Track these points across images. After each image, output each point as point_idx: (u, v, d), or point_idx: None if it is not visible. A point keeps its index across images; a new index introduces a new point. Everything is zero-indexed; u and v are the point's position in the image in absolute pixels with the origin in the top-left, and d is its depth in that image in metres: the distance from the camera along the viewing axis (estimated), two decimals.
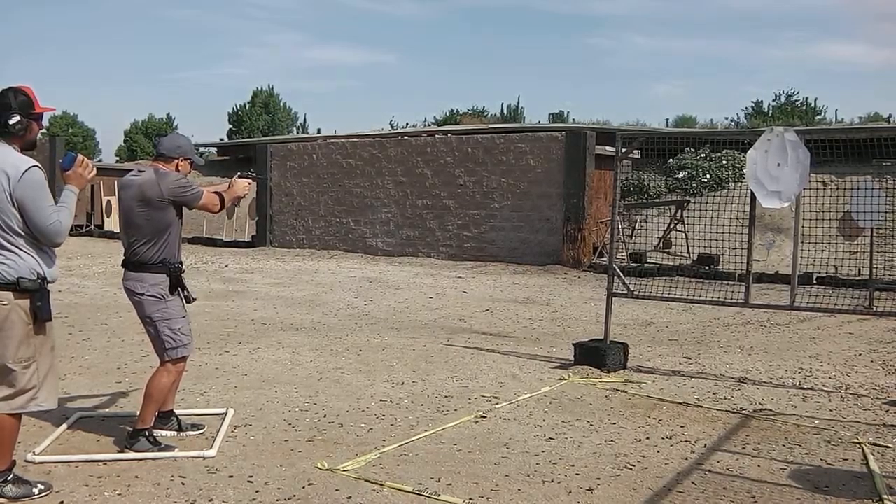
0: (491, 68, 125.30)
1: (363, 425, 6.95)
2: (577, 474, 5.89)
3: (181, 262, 6.47)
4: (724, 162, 26.71)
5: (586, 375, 9.07)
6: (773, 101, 55.65)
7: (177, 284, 6.35)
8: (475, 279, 19.95)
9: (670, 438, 6.82)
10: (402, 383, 8.58)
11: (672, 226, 23.10)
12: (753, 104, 56.18)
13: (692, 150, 27.66)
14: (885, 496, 5.55)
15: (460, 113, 57.94)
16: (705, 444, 6.68)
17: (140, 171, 6.48)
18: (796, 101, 55.08)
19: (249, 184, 6.84)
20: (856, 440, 6.90)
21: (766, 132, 8.95)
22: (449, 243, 25.06)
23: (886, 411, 7.96)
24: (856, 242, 16.27)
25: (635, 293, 10.03)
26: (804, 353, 10.74)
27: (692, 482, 5.78)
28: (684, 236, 22.28)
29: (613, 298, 9.89)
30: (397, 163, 26.22)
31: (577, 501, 5.36)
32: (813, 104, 54.94)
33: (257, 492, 5.37)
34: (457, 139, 26.15)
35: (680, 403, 8.00)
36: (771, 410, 7.84)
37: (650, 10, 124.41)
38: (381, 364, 9.50)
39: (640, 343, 11.07)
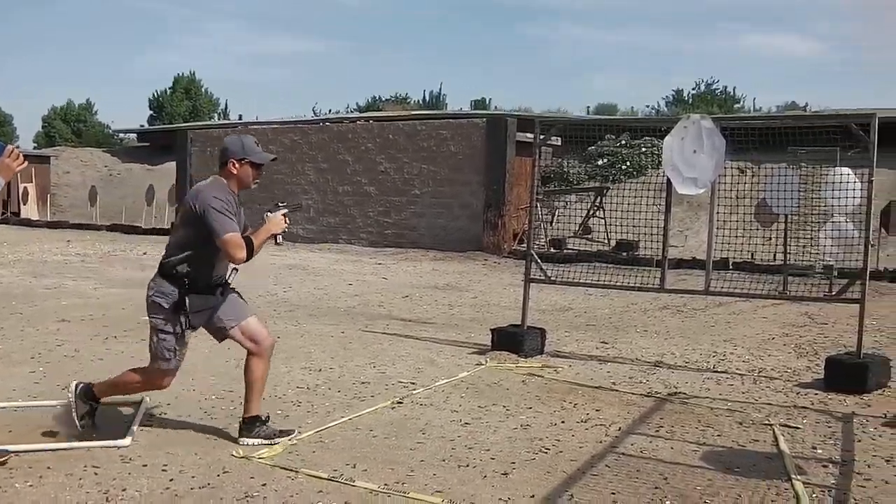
0: (414, 55, 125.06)
1: (279, 412, 6.90)
2: (493, 459, 5.91)
3: (219, 283, 6.08)
4: (644, 149, 26.99)
5: (504, 361, 9.12)
6: (694, 89, 56.30)
7: (181, 305, 5.86)
8: (395, 266, 19.97)
9: (585, 422, 6.88)
10: (320, 370, 8.55)
11: (592, 212, 23.29)
12: (674, 93, 56.83)
13: (613, 137, 27.90)
14: (793, 476, 5.65)
15: (383, 100, 57.84)
16: (620, 428, 6.75)
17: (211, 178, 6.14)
18: (716, 89, 55.76)
19: (285, 216, 6.14)
20: (767, 422, 7.02)
21: (683, 120, 9.07)
22: (370, 230, 25.06)
23: (797, 394, 8.11)
24: (771, 229, 16.50)
25: (553, 279, 10.10)
26: (719, 337, 10.90)
27: (606, 465, 5.83)
28: (603, 223, 22.44)
29: (532, 284, 9.96)
30: (318, 149, 26.16)
31: (491, 486, 5.37)
32: (732, 93, 55.66)
33: (171, 480, 5.31)
34: (378, 126, 26.16)
35: (596, 387, 8.07)
36: (685, 393, 7.96)
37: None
38: (299, 351, 9.46)
39: (558, 328, 11.15)
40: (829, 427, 6.97)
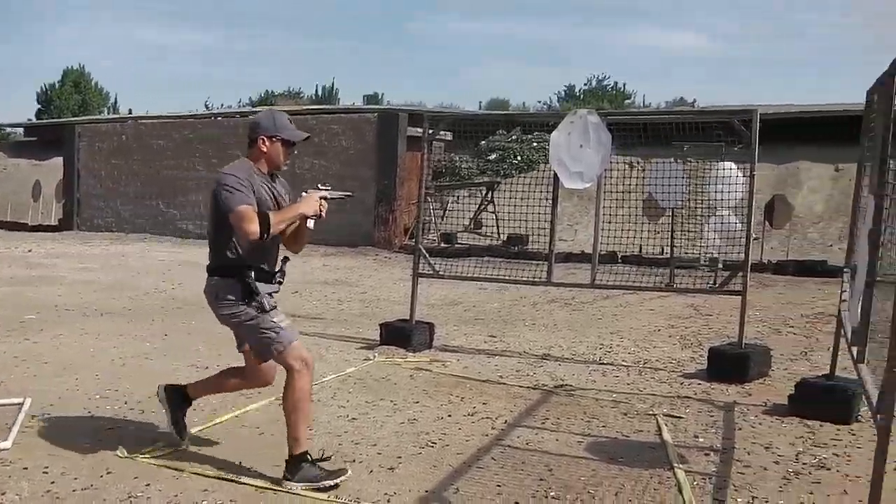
0: (308, 50, 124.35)
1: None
2: (379, 454, 5.92)
3: (276, 271, 5.59)
4: (535, 144, 27.19)
5: (392, 355, 9.12)
6: (586, 85, 56.99)
7: (250, 292, 5.37)
8: None
9: (472, 415, 6.92)
10: (207, 367, 8.44)
11: (483, 207, 23.41)
12: (566, 88, 57.44)
13: (504, 132, 28.06)
14: (675, 464, 5.76)
15: (276, 94, 57.45)
16: (506, 421, 6.80)
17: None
18: (607, 85, 56.50)
19: (321, 201, 5.57)
20: (651, 412, 7.14)
21: (570, 115, 9.16)
22: None
23: (681, 384, 8.26)
24: (658, 223, 16.75)
25: (441, 273, 10.13)
26: (606, 330, 11.04)
27: (492, 458, 5.87)
28: (494, 217, 22.59)
29: (422, 279, 9.98)
30: (210, 144, 25.83)
31: (377, 481, 5.38)
32: (623, 88, 56.44)
33: (53, 483, 5.21)
34: None
35: (483, 381, 8.12)
36: (571, 386, 8.04)
37: None
38: (187, 348, 9.35)
39: (447, 322, 11.19)
40: (711, 416, 7.12)
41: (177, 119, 30.36)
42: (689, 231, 15.16)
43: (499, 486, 5.32)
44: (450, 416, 6.90)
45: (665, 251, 17.66)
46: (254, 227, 5.21)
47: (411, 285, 9.87)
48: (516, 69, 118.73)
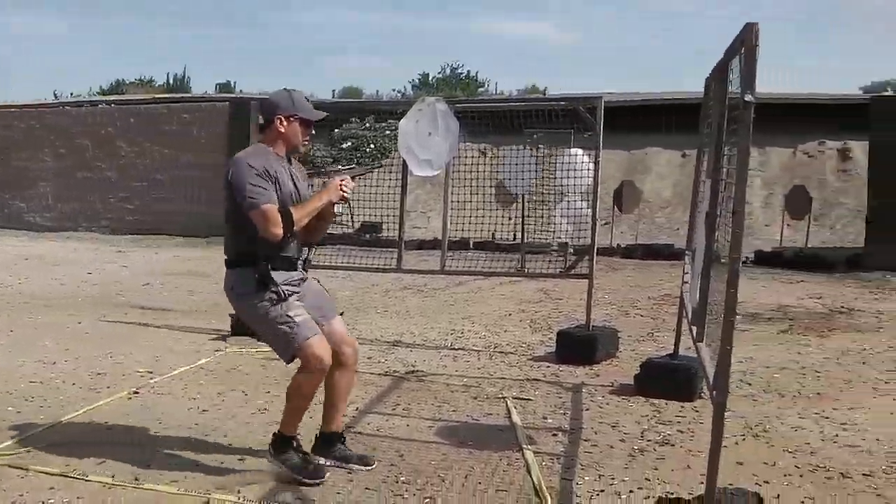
0: (159, 38, 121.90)
1: (10, 409, 6.64)
2: (230, 444, 5.88)
3: (298, 259, 5.37)
4: (388, 132, 27.23)
5: (244, 346, 9.04)
6: (439, 73, 57.06)
7: (263, 282, 5.14)
8: (136, 253, 19.50)
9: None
10: (55, 363, 8.27)
11: None
12: (420, 76, 57.40)
13: (357, 120, 28.04)
14: (524, 446, 5.86)
15: (126, 83, 56.17)
16: (357, 408, 6.80)
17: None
18: (461, 73, 56.70)
19: (344, 182, 5.41)
20: (501, 395, 7.24)
21: (418, 102, 9.19)
22: (110, 216, 24.36)
23: (531, 367, 8.40)
24: (510, 209, 16.93)
25: None
26: (458, 315, 11.14)
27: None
28: (348, 205, 22.49)
29: None
30: (57, 134, 25.17)
31: (229, 472, 5.35)
32: (475, 76, 56.73)
33: None
34: (119, 110, 25.48)
35: None
36: (422, 371, 8.12)
37: None
38: (33, 344, 9.12)
39: None
40: (560, 398, 7.26)
41: (22, 108, 29.50)
42: (539, 217, 15.34)
43: (349, 473, 5.33)
44: None
45: (516, 237, 17.87)
46: (277, 230, 5.07)
47: None
48: (371, 58, 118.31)
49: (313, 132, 5.58)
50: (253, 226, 5.10)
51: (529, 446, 5.88)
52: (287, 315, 5.13)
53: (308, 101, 5.49)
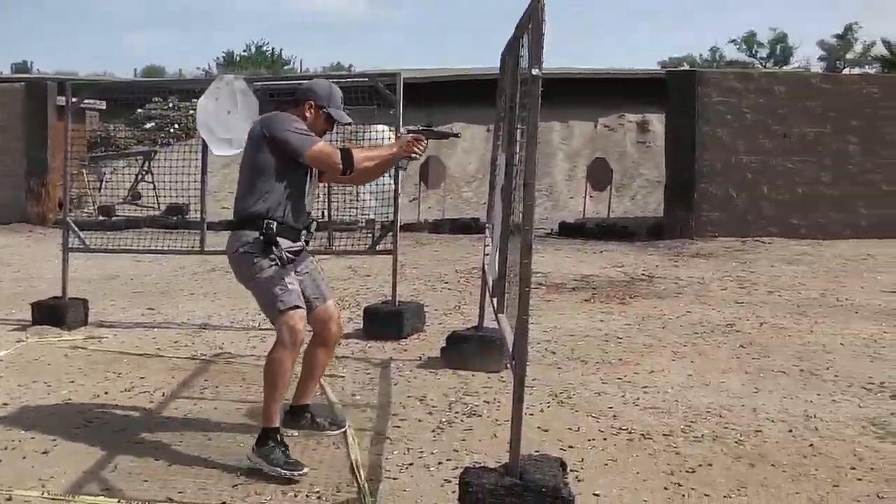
0: None
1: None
2: (33, 438, 5.70)
3: (303, 230, 5.40)
4: (192, 112, 26.79)
5: (46, 335, 8.79)
6: (245, 51, 56.43)
7: (268, 243, 5.16)
8: None
9: (130, 391, 6.79)
10: None
11: (140, 177, 22.90)
12: (225, 55, 56.65)
13: (160, 100, 27.52)
14: (347, 423, 5.87)
15: None
16: (164, 393, 6.72)
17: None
18: (266, 51, 56.22)
19: (416, 142, 5.40)
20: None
21: (216, 80, 9.09)
22: None
23: (340, 344, 8.33)
24: (319, 186, 16.88)
25: (92, 247, 9.84)
26: None
27: (150, 431, 5.80)
28: (153, 187, 22.14)
29: (78, 254, 9.70)
30: None
31: (31, 466, 5.20)
32: (280, 54, 56.35)
33: None
34: None
35: (141, 355, 7.97)
36: (230, 353, 8.05)
37: None
38: None
39: (104, 297, 10.89)
40: (368, 374, 7.32)
41: None
42: (346, 194, 15.35)
43: (157, 459, 5.27)
44: (107, 393, 6.74)
45: (324, 214, 17.83)
46: (336, 159, 5.20)
47: (62, 261, 9.53)
48: (175, 36, 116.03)
49: (332, 132, 5.64)
50: (279, 187, 5.20)
51: (350, 423, 5.90)
52: (282, 279, 5.18)
53: (343, 102, 5.53)
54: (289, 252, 5.26)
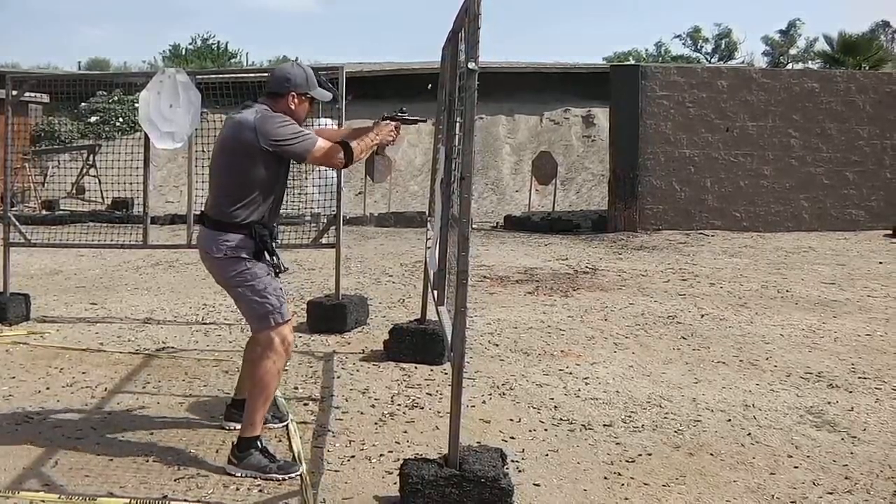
0: None
1: None
2: None
3: (274, 227, 5.21)
4: (137, 105, 26.61)
5: None
6: (191, 44, 56.03)
7: (263, 250, 5.05)
8: None
9: (71, 386, 6.74)
10: None
11: (85, 171, 22.71)
12: (171, 48, 56.21)
13: (105, 93, 27.28)
14: (288, 416, 5.89)
15: None
16: (106, 388, 6.68)
17: (247, 105, 5.14)
18: (212, 44, 55.84)
19: (396, 129, 5.42)
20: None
21: (158, 74, 9.05)
22: None
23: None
24: None
25: (33, 241, 9.75)
26: (210, 290, 10.98)
27: (92, 427, 5.76)
28: (98, 181, 21.96)
29: (21, 249, 9.63)
30: None
31: None
32: (226, 47, 55.99)
33: None
34: None
35: (83, 350, 7.91)
36: (173, 348, 8.02)
37: None
38: None
39: (46, 293, 10.78)
40: (311, 367, 7.32)
41: None
42: (291, 188, 15.33)
43: (99, 454, 5.24)
44: (48, 388, 6.68)
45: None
46: (341, 156, 5.13)
47: (2, 256, 9.44)
48: (121, 29, 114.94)
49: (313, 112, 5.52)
50: (263, 192, 5.05)
51: (292, 416, 5.91)
52: (278, 289, 5.14)
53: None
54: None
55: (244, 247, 5.04)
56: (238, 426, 5.33)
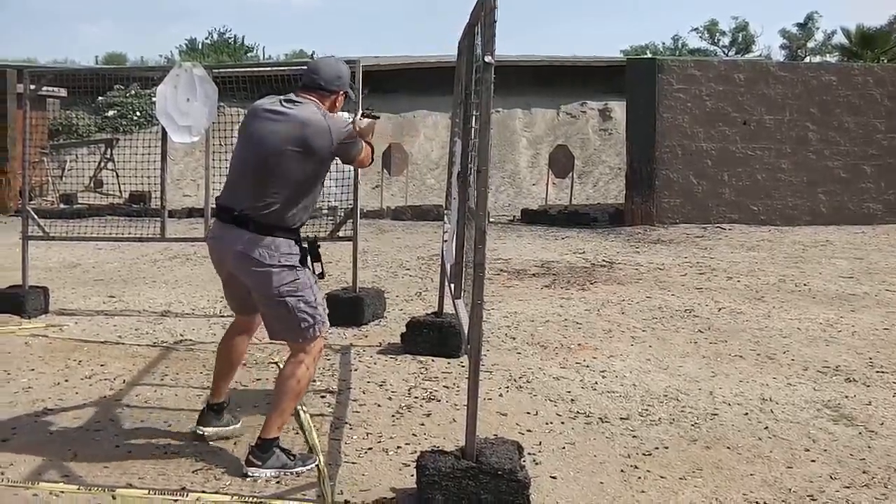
0: None
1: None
2: None
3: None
4: (154, 99, 26.68)
5: (6, 323, 8.74)
6: (207, 39, 56.09)
7: (308, 255, 4.99)
8: None
9: (90, 378, 6.78)
10: None
11: (102, 165, 22.77)
12: (188, 42, 56.27)
13: (122, 87, 27.36)
14: (300, 409, 5.89)
15: None
16: (125, 380, 6.72)
17: (288, 101, 4.90)
18: (229, 39, 55.89)
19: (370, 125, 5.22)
20: (271, 360, 7.27)
21: (175, 68, 9.07)
22: None
23: None
24: None
25: (52, 235, 9.80)
26: None
27: (110, 419, 5.80)
28: (115, 175, 22.04)
29: (38, 242, 9.68)
30: None
31: None
32: (242, 41, 56.05)
33: None
34: None
35: (101, 343, 7.95)
36: (191, 340, 8.05)
37: None
38: None
39: (65, 286, 10.83)
40: (328, 360, 7.32)
41: None
42: None
43: (117, 446, 5.27)
44: (67, 380, 6.72)
45: None
46: (372, 158, 5.26)
47: (21, 249, 9.49)
48: (138, 24, 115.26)
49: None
50: (311, 191, 4.95)
51: (305, 409, 5.93)
52: (322, 301, 5.08)
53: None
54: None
55: (294, 253, 4.89)
56: (214, 430, 5.35)
